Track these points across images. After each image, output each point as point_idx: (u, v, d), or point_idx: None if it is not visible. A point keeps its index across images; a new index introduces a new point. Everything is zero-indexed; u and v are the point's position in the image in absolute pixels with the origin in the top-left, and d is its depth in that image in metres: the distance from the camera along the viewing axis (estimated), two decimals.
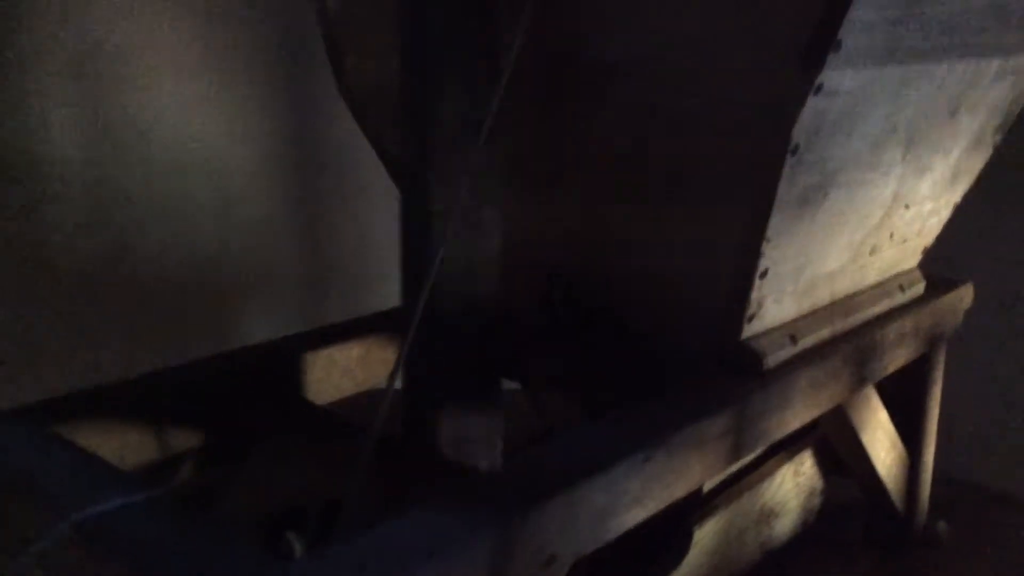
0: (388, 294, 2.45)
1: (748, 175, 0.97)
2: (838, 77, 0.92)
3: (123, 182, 2.24)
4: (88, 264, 2.29)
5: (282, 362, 1.23)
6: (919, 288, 1.40)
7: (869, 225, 1.20)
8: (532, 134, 1.12)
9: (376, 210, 2.32)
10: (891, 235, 1.27)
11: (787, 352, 1.13)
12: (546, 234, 1.21)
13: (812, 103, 0.92)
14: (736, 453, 1.04)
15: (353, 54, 1.31)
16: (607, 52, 1.04)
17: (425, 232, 1.05)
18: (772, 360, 1.11)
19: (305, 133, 2.22)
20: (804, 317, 1.18)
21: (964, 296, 1.47)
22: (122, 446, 1.05)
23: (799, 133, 0.94)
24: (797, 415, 1.14)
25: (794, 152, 0.95)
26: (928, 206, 1.32)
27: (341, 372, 1.28)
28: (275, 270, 2.39)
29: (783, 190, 0.97)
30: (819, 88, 0.91)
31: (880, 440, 1.40)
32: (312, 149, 2.24)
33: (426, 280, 0.99)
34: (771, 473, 1.35)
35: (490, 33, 1.01)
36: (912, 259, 1.40)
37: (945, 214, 1.39)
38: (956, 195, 1.37)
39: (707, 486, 1.25)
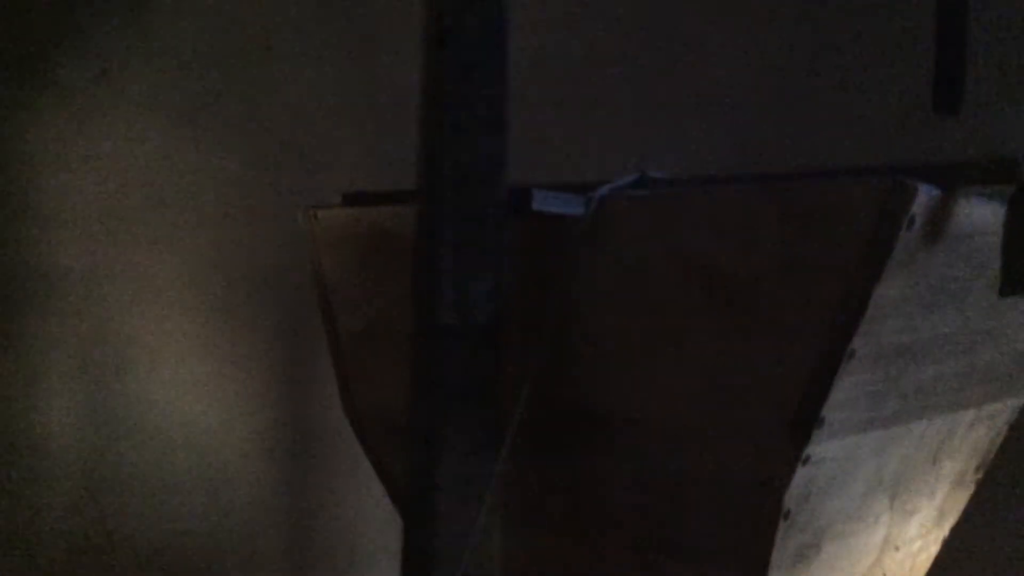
0: None
1: (742, 538, 1.00)
2: (824, 448, 0.98)
3: (115, 465, 2.26)
4: (72, 549, 2.25)
5: None
6: None
7: (861, 570, 1.22)
8: (528, 476, 1.16)
9: (366, 494, 2.33)
10: (883, 575, 1.29)
11: None
12: (542, 570, 1.22)
13: (801, 472, 0.97)
14: None
15: (362, 378, 1.38)
16: (603, 403, 1.10)
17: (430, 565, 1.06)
18: None
19: (298, 416, 2.28)
20: None
21: None
22: None
23: (790, 500, 0.98)
24: None
25: (786, 517, 0.99)
26: (917, 544, 1.34)
27: None
28: (262, 554, 2.35)
29: (777, 552, 1.00)
30: (807, 459, 0.97)
31: None
32: (304, 432, 2.29)
33: None
34: None
35: (497, 380, 1.08)
36: None
37: (934, 550, 1.41)
38: (944, 531, 1.40)
39: None
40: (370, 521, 2.30)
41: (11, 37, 2.26)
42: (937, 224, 0.95)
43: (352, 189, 1.58)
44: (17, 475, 2.36)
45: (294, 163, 2.21)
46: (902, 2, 1.92)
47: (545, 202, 1.10)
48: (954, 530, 1.42)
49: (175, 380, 2.27)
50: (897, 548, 1.28)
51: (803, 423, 0.94)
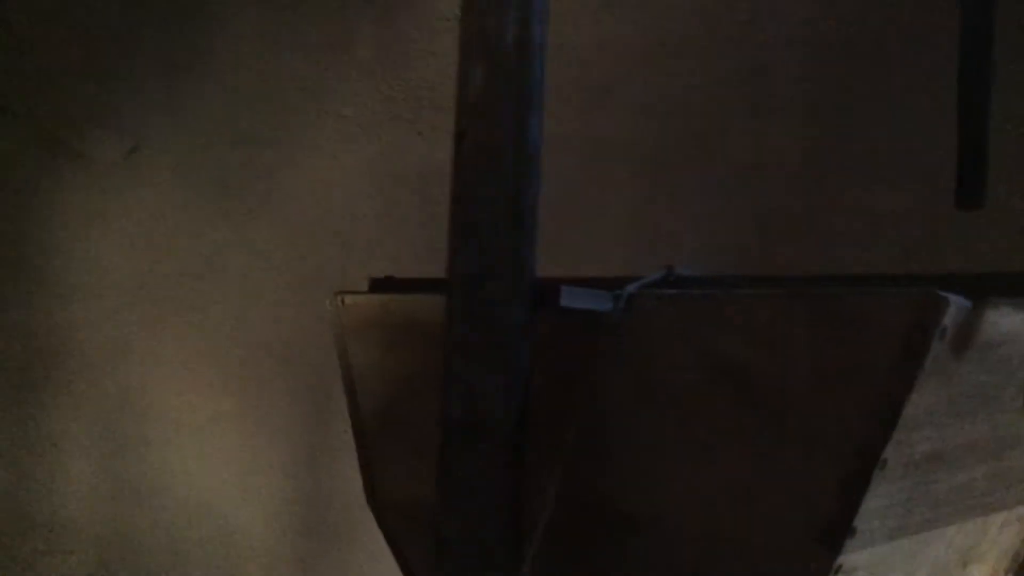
0: None
1: None
2: (855, 558, 0.97)
3: (131, 536, 2.24)
4: None
5: None
6: None
7: None
8: (554, 574, 1.15)
9: None
10: None
11: None
12: None
13: None
14: None
15: (385, 466, 1.37)
16: (630, 504, 1.09)
17: None
18: None
19: (316, 495, 2.26)
20: None
21: None
22: None
23: None
24: None
25: None
26: None
27: None
28: None
29: None
30: (838, 569, 0.96)
31: None
32: (322, 511, 2.27)
33: None
34: None
35: (518, 477, 1.07)
36: None
37: None
38: None
39: None
40: None
41: (46, 113, 2.31)
42: (967, 334, 0.95)
43: (379, 274, 1.59)
44: (33, 545, 2.35)
45: (319, 238, 2.23)
46: (924, 92, 1.94)
47: (573, 298, 1.11)
48: None
49: (193, 452, 2.27)
50: None
51: (835, 533, 0.93)
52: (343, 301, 1.40)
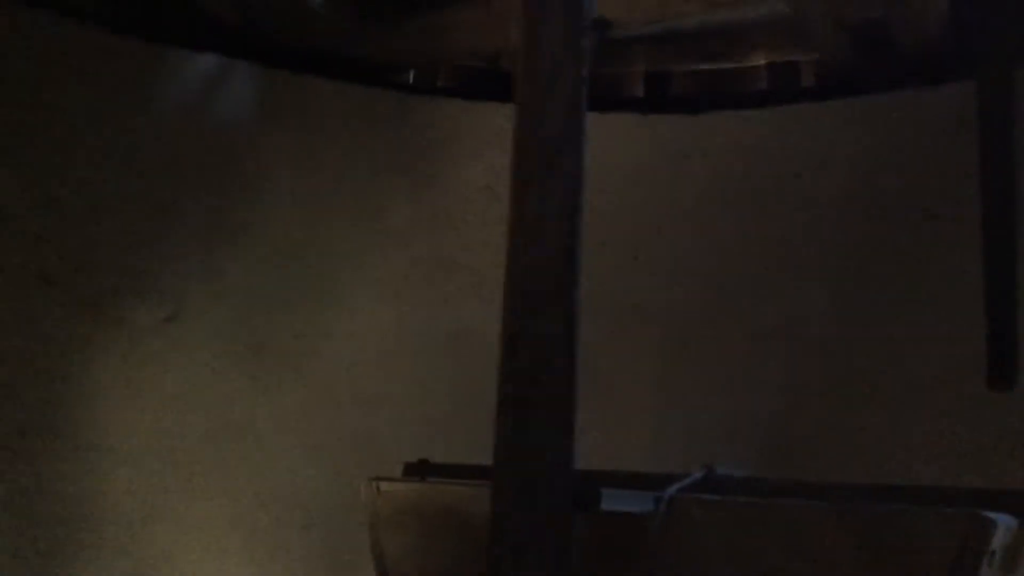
0: None
1: None
2: None
3: None
4: None
5: None
6: None
7: None
8: None
9: None
10: None
11: None
12: None
13: None
14: None
15: None
16: None
17: None
18: None
19: None
20: None
21: None
22: None
23: None
24: None
25: None
26: None
27: None
28: None
29: None
30: None
31: None
32: None
33: None
34: None
35: None
36: None
37: None
38: None
39: None
40: None
41: (86, 280, 2.36)
42: (1016, 553, 0.94)
43: (407, 441, 1.59)
44: None
45: (347, 401, 2.25)
46: (956, 257, 1.96)
47: (614, 501, 1.11)
48: None
49: None
50: None
51: None
52: (378, 488, 1.40)
